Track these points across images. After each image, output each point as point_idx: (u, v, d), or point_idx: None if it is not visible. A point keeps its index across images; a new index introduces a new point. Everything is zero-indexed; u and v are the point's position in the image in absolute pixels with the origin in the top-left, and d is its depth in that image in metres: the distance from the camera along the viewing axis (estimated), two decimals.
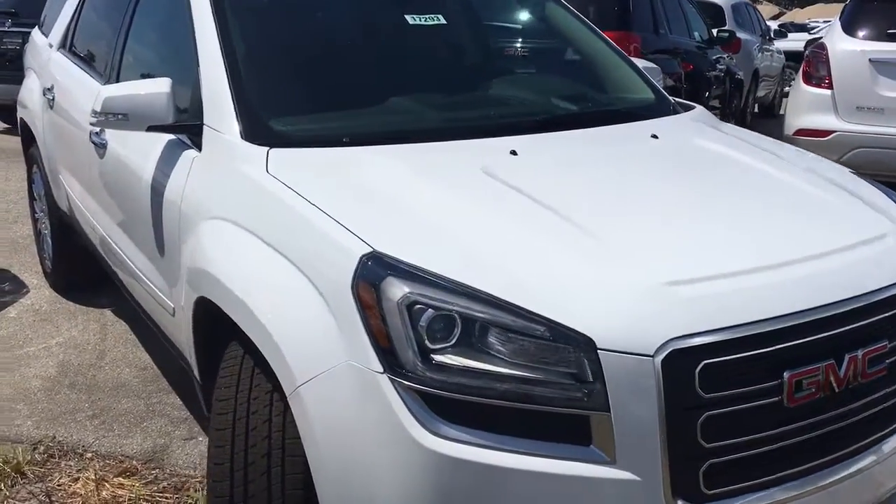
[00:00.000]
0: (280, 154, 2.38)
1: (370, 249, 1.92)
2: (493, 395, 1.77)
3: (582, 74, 3.27)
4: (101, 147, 3.30)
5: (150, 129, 2.69)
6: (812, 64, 6.54)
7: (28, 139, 4.89)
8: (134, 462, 3.22)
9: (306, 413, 1.93)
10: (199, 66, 2.76)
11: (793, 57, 16.43)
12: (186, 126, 2.67)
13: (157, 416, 3.53)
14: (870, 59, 6.21)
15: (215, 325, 2.47)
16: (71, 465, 3.19)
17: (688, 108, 3.19)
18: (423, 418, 1.80)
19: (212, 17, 2.83)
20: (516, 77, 3.26)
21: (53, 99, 4.08)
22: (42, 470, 3.15)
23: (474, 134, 2.57)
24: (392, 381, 1.82)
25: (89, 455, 3.27)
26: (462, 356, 1.82)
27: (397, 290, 1.84)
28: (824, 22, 24.55)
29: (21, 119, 4.87)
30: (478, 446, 1.78)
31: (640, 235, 2.03)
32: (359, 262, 1.91)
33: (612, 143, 2.64)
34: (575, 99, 3.08)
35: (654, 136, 2.68)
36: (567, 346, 1.77)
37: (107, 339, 4.26)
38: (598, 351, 1.75)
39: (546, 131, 2.65)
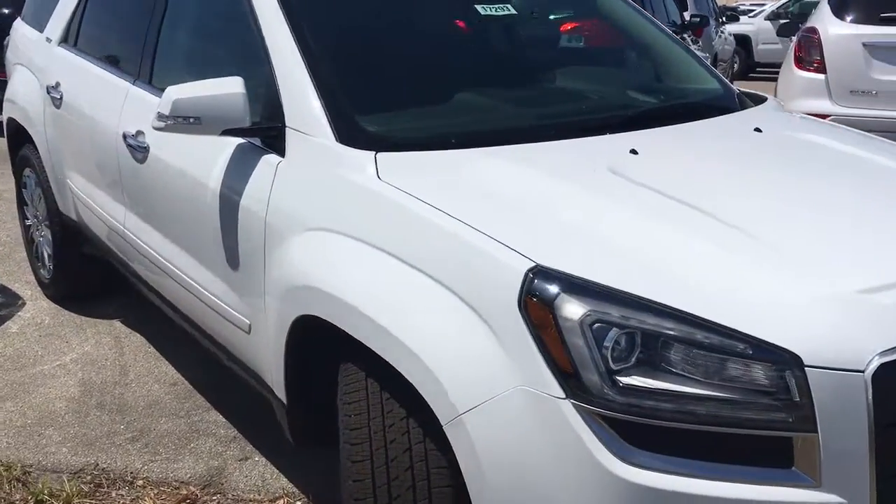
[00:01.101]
0: (389, 159, 2.20)
1: (533, 263, 1.77)
2: (691, 420, 1.65)
3: (651, 66, 3.15)
4: (139, 150, 3.06)
5: (225, 132, 2.48)
6: (804, 48, 6.55)
7: (17, 140, 4.57)
8: (191, 488, 3.01)
9: (470, 442, 1.78)
10: (269, 63, 2.56)
11: (740, 41, 16.70)
12: (265, 129, 2.46)
13: (203, 436, 3.32)
14: (863, 43, 6.23)
15: (315, 346, 2.31)
16: (123, 495, 2.97)
17: (752, 97, 3.10)
18: (612, 445, 1.67)
19: (279, 10, 2.62)
20: (592, 71, 3.12)
21: (61, 98, 3.79)
22: (93, 502, 2.92)
23: (578, 132, 2.43)
24: (576, 406, 1.68)
25: (140, 482, 3.05)
26: (646, 377, 1.69)
27: (576, 307, 1.70)
28: (757, 5, 25.05)
29: (9, 119, 4.54)
30: (672, 473, 1.65)
31: (808, 239, 1.92)
32: (524, 278, 1.76)
33: (723, 139, 2.54)
34: (653, 92, 2.97)
35: (758, 130, 2.58)
36: (769, 364, 1.66)
37: (124, 353, 4.00)
38: (806, 368, 1.63)
39: (644, 127, 2.52)
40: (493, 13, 2.86)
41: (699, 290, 1.74)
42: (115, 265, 3.93)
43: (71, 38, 3.94)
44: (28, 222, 4.71)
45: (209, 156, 2.67)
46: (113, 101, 3.32)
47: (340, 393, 2.09)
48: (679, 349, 1.69)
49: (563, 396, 1.69)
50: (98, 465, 3.13)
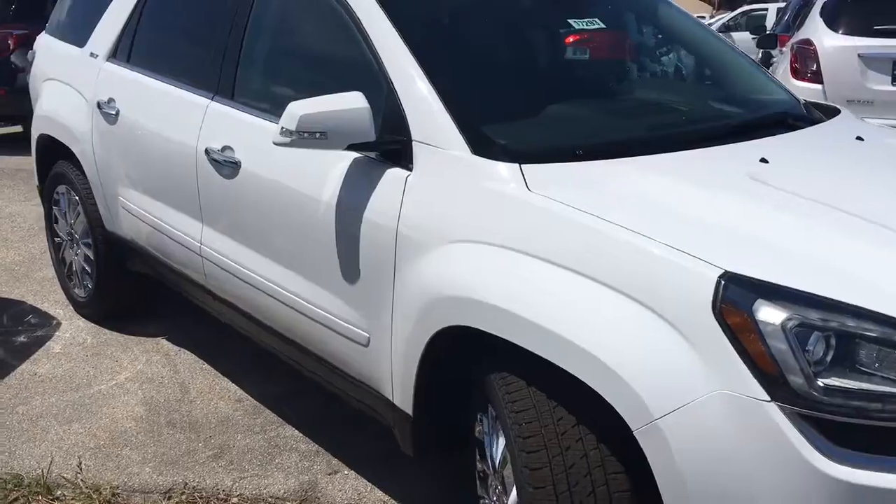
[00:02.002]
0: (536, 170, 2.24)
1: (722, 270, 1.83)
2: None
3: (729, 77, 3.24)
4: (227, 166, 3.04)
5: (350, 147, 2.50)
6: (800, 59, 6.77)
7: (48, 156, 4.48)
8: (287, 503, 3.00)
9: (667, 446, 1.82)
10: (385, 77, 2.58)
11: None
12: (391, 143, 2.48)
13: (285, 451, 3.30)
14: (859, 55, 6.48)
15: (449, 357, 2.33)
16: None
17: (818, 107, 3.21)
18: (819, 445, 1.73)
19: (389, 24, 2.64)
20: (679, 82, 3.20)
21: (117, 114, 3.74)
22: None
23: (695, 143, 2.50)
24: (781, 408, 1.74)
25: (234, 500, 3.02)
26: (843, 377, 1.76)
27: (777, 312, 1.76)
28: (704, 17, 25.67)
29: (42, 136, 4.44)
30: (878, 470, 1.72)
31: None
32: (717, 285, 1.81)
33: (833, 147, 2.63)
34: (736, 103, 3.05)
35: (860, 139, 2.68)
36: None
37: (179, 370, 3.95)
38: None
39: (753, 137, 2.60)
40: (585, 27, 2.92)
41: (883, 291, 1.81)
42: (168, 282, 3.89)
43: (122, 54, 3.88)
44: (59, 241, 4.61)
45: (319, 170, 2.67)
46: (188, 117, 3.29)
47: (504, 402, 2.12)
48: (872, 349, 1.76)
49: (768, 399, 1.74)
50: (187, 483, 3.09)
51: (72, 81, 4.19)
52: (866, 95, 6.45)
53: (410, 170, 2.46)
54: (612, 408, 1.92)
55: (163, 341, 4.25)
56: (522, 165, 2.25)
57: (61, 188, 4.43)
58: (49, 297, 4.79)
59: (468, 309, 2.19)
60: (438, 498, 3.02)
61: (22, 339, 4.27)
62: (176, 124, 3.37)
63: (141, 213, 3.75)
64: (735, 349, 1.78)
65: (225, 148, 3.07)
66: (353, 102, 2.46)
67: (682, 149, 2.44)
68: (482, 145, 2.36)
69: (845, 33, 6.66)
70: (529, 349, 2.05)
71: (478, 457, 2.49)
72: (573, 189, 2.17)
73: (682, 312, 1.85)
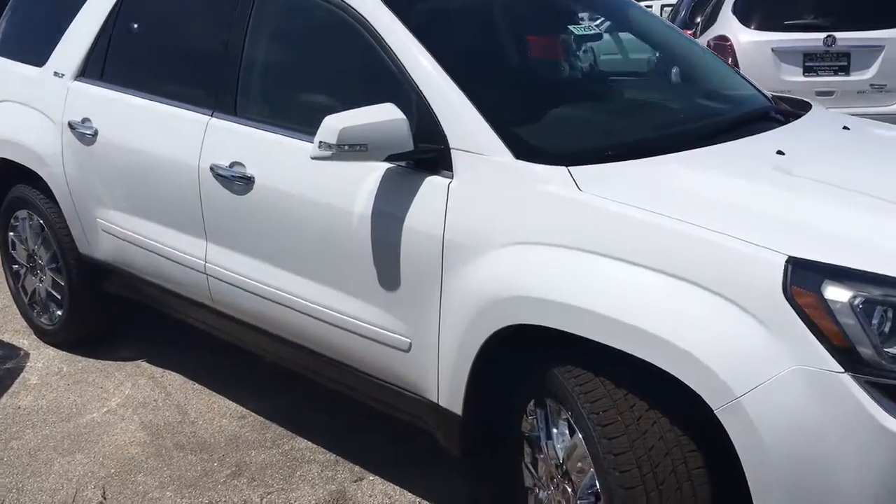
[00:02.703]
0: (582, 171, 2.36)
1: (786, 255, 1.99)
2: None
3: (709, 76, 3.42)
4: (238, 182, 3.03)
5: (389, 158, 2.56)
6: (717, 54, 7.13)
7: (2, 182, 4.32)
8: None
9: (749, 422, 1.97)
10: (413, 88, 2.64)
11: None
12: (429, 152, 2.55)
13: (304, 463, 3.31)
14: (772, 49, 6.89)
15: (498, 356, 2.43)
16: None
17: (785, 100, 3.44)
18: (890, 410, 1.91)
19: (410, 35, 2.71)
20: (671, 83, 3.36)
21: (95, 134, 3.65)
22: None
23: (708, 140, 2.66)
24: (855, 378, 1.91)
25: None
26: None
27: (843, 291, 1.94)
28: None
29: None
30: None
31: None
32: (784, 269, 1.97)
33: (827, 138, 2.85)
34: (721, 100, 3.24)
35: (846, 128, 2.91)
36: None
37: (170, 392, 3.89)
38: None
39: (753, 133, 2.79)
40: (584, 32, 3.06)
41: None
42: (154, 302, 3.82)
43: (92, 72, 3.78)
44: (16, 269, 4.45)
45: (349, 181, 2.71)
46: (185, 135, 3.26)
47: (577, 394, 2.22)
48: None
49: (842, 370, 1.91)
50: None
51: (32, 102, 4.05)
52: (781, 87, 6.83)
53: (451, 177, 2.53)
54: (681, 392, 2.07)
55: (144, 364, 4.17)
56: (569, 168, 2.36)
57: (21, 213, 4.28)
58: (7, 328, 4.61)
59: (534, 308, 2.28)
60: (467, 494, 3.10)
61: None
62: (170, 142, 3.33)
63: (125, 234, 3.68)
64: (807, 327, 1.94)
65: (234, 164, 3.06)
66: (390, 114, 2.52)
67: (700, 145, 2.60)
68: (523, 150, 2.46)
69: (757, 28, 7.06)
70: (602, 342, 2.16)
71: (527, 450, 2.59)
72: (623, 187, 2.30)
73: (753, 297, 2.00)
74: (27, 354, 4.30)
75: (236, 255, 3.17)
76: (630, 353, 2.12)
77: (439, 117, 2.58)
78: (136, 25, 3.68)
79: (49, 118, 3.92)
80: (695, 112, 3.09)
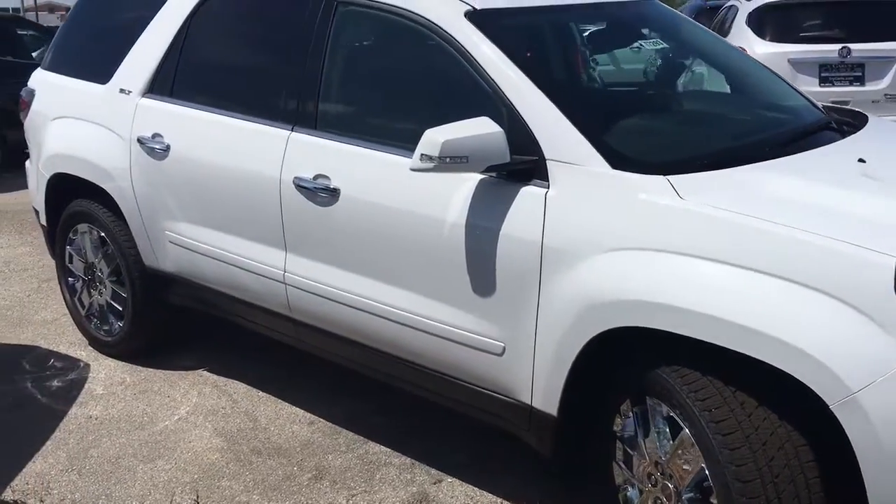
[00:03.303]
0: (682, 181, 2.48)
1: (895, 256, 2.11)
2: None
3: (770, 90, 3.56)
4: (322, 194, 3.13)
5: (488, 169, 2.67)
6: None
7: (62, 197, 4.40)
8: None
9: (865, 416, 2.08)
10: (504, 101, 2.76)
11: None
12: (525, 163, 2.67)
13: (381, 467, 3.40)
14: (788, 60, 7.06)
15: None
16: None
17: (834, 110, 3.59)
18: None
19: (495, 49, 2.83)
20: (737, 95, 3.50)
21: (167, 149, 3.74)
22: None
23: (788, 149, 2.79)
24: None
25: None
26: None
27: None
28: None
29: (58, 175, 4.35)
30: None
31: None
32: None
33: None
34: (784, 111, 3.38)
35: None
36: None
37: (237, 400, 3.97)
38: None
39: (826, 142, 2.93)
40: (654, 47, 3.19)
41: None
42: (222, 312, 3.91)
43: (161, 89, 3.87)
44: (72, 283, 4.52)
45: (441, 192, 2.82)
46: (265, 148, 3.35)
47: (686, 393, 2.33)
48: None
49: None
50: None
51: (95, 118, 4.13)
52: None
53: (547, 186, 2.65)
54: (786, 389, 2.18)
55: (205, 373, 4.25)
56: (668, 177, 2.48)
57: (81, 227, 4.36)
58: (62, 340, 4.68)
59: (645, 311, 2.38)
60: (545, 493, 3.20)
61: (56, 383, 4.18)
62: (248, 156, 3.43)
63: (195, 245, 3.76)
64: None
65: (318, 176, 3.16)
66: (488, 127, 2.64)
67: (782, 154, 2.73)
68: (619, 160, 2.58)
69: (773, 40, 7.25)
70: (714, 343, 2.27)
71: (619, 449, 2.70)
72: (724, 195, 2.42)
73: (865, 297, 2.12)
74: (87, 366, 4.37)
75: (319, 264, 3.26)
76: (743, 352, 2.23)
77: (533, 130, 2.69)
78: (203, 47, 3.78)
79: (116, 134, 4.00)
80: (766, 123, 3.22)
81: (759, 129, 3.11)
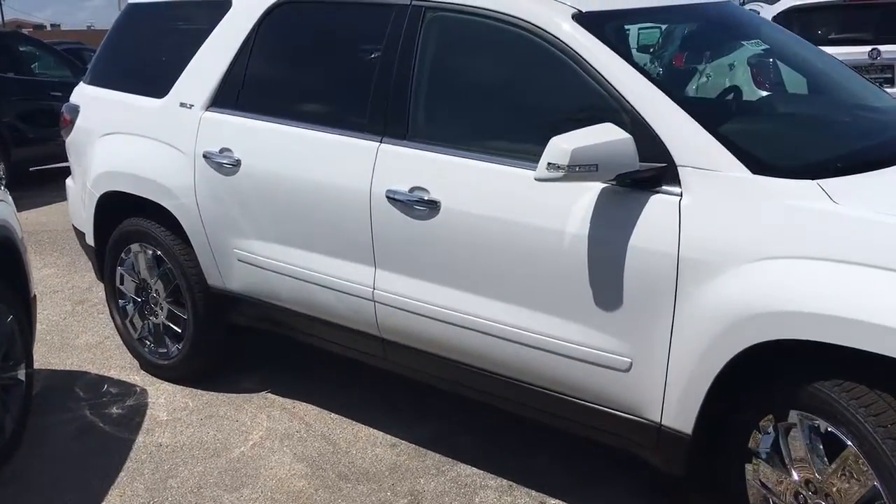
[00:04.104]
0: (831, 185, 2.38)
1: None
2: None
3: (867, 93, 3.47)
4: (420, 207, 3.00)
5: (618, 177, 2.56)
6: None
7: (111, 216, 4.23)
8: None
9: None
10: (626, 108, 2.65)
11: None
12: (655, 170, 2.56)
13: (479, 490, 3.27)
14: None
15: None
16: None
17: None
18: None
19: (614, 55, 2.73)
20: (841, 98, 3.41)
21: (237, 164, 3.60)
22: None
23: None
24: None
25: None
26: None
27: None
28: None
29: (109, 193, 4.18)
30: None
31: None
32: None
33: None
34: (891, 114, 3.29)
35: None
36: None
37: (309, 423, 3.82)
38: None
39: None
40: (755, 50, 3.10)
41: None
42: (294, 331, 3.77)
43: (226, 102, 3.73)
44: (123, 305, 4.35)
45: (559, 203, 2.71)
46: (352, 161, 3.23)
47: (854, 408, 2.22)
48: None
49: None
50: None
51: (152, 134, 3.98)
52: None
53: (679, 194, 2.53)
54: None
55: (270, 395, 4.10)
56: (818, 181, 2.37)
57: (134, 246, 4.20)
58: (111, 364, 4.51)
59: (808, 323, 2.25)
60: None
61: (116, 409, 4.00)
62: (333, 169, 3.29)
63: (268, 263, 3.62)
64: None
65: (414, 189, 3.03)
66: (616, 133, 2.52)
67: None
68: (759, 165, 2.47)
69: None
70: (889, 355, 2.15)
71: (756, 467, 2.58)
72: (879, 199, 2.32)
73: None
74: (144, 390, 4.20)
75: (416, 280, 3.13)
76: None
77: (661, 136, 2.59)
78: (272, 58, 3.64)
79: (177, 149, 3.85)
80: (883, 126, 3.13)
81: (880, 132, 3.02)
